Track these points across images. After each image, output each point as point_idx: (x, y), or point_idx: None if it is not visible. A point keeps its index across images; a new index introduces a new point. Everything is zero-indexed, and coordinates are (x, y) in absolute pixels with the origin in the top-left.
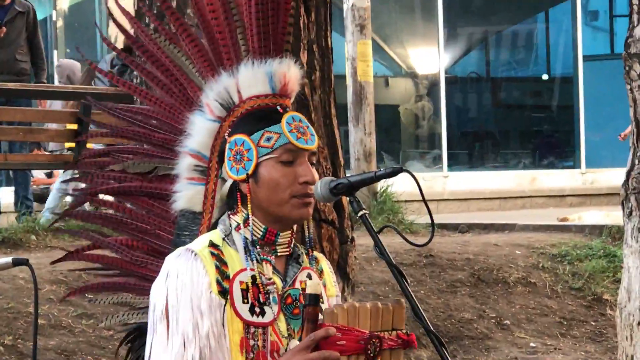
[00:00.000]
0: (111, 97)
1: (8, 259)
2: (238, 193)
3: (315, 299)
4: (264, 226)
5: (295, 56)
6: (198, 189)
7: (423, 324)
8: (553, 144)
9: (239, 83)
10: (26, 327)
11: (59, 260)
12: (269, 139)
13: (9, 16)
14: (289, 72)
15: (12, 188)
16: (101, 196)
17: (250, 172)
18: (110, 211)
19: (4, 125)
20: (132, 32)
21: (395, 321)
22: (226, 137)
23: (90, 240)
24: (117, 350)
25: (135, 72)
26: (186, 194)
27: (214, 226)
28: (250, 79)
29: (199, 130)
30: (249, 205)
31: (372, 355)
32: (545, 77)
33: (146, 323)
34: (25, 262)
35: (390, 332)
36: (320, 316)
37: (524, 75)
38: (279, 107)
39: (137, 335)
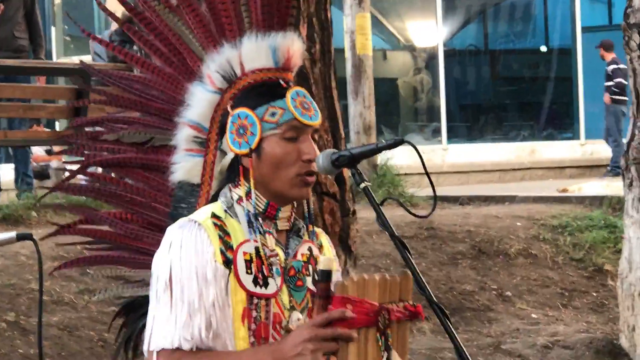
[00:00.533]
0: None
1: (12, 234)
2: (240, 167)
3: (328, 275)
4: (265, 200)
5: (295, 29)
6: (196, 160)
7: (426, 295)
8: (552, 116)
9: (241, 55)
10: (28, 304)
11: (51, 235)
12: (273, 114)
13: None
14: (293, 46)
15: (12, 165)
16: (94, 169)
17: (253, 146)
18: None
19: (3, 102)
20: (131, 1)
21: (402, 293)
22: (229, 109)
23: (82, 215)
24: (111, 323)
25: (134, 48)
26: (184, 166)
27: (212, 198)
28: (253, 52)
29: (199, 101)
30: (252, 180)
31: (382, 327)
32: (543, 49)
33: (140, 296)
34: (29, 237)
35: (397, 304)
36: (332, 290)
37: (522, 47)
38: (282, 81)
39: (131, 309)
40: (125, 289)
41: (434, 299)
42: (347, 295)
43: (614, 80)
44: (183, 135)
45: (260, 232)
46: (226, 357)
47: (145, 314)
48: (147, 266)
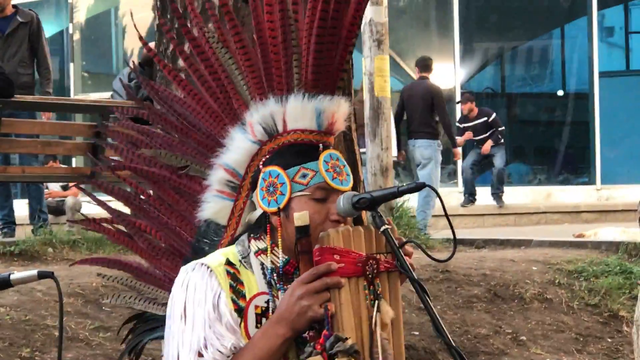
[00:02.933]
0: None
1: (33, 272)
2: (268, 225)
3: (305, 229)
4: (286, 257)
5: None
6: (226, 203)
7: (444, 338)
8: (568, 160)
9: (286, 113)
10: (43, 340)
11: (75, 222)
12: (304, 176)
13: (11, 27)
14: (339, 111)
15: (26, 200)
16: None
17: (281, 206)
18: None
19: (22, 138)
20: (152, 45)
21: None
22: (260, 166)
23: (107, 211)
24: (119, 330)
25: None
26: (214, 206)
27: (233, 241)
28: (298, 112)
29: (238, 148)
30: (280, 240)
31: (370, 277)
32: (560, 93)
33: (149, 313)
34: (50, 275)
35: (385, 255)
36: (316, 246)
37: (539, 91)
38: (321, 146)
39: (140, 321)
40: (137, 301)
41: (452, 342)
42: (332, 246)
43: None
44: (217, 177)
45: (276, 289)
46: (243, 354)
47: (153, 329)
48: (161, 286)
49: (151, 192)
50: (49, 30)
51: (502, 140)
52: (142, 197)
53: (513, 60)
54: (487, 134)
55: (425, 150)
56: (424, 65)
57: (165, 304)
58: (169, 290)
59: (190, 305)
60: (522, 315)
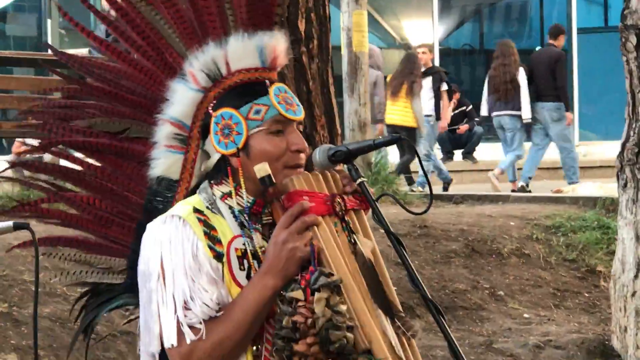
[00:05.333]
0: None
1: (9, 223)
2: (229, 167)
3: (269, 178)
4: (252, 198)
5: (292, 24)
6: (177, 157)
7: (421, 292)
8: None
9: (228, 54)
10: (21, 295)
11: (7, 212)
12: (258, 112)
13: None
14: (279, 45)
15: (6, 157)
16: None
17: (240, 145)
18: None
19: None
20: None
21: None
22: (210, 111)
23: (45, 192)
24: (73, 307)
25: None
26: (164, 162)
27: (189, 194)
28: (240, 52)
29: (181, 98)
30: (242, 179)
31: (341, 214)
32: (538, 49)
33: (103, 283)
34: (26, 226)
35: (347, 195)
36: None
37: (518, 47)
38: (267, 81)
39: (93, 294)
40: (90, 275)
41: (429, 296)
42: (298, 190)
43: None
44: (164, 132)
45: (249, 229)
46: (233, 308)
47: (109, 300)
48: (114, 253)
49: (89, 162)
50: None
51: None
52: (80, 167)
53: (491, 17)
54: (464, 122)
55: (554, 112)
56: (553, 32)
57: (121, 271)
58: (124, 257)
59: (167, 260)
60: (500, 271)
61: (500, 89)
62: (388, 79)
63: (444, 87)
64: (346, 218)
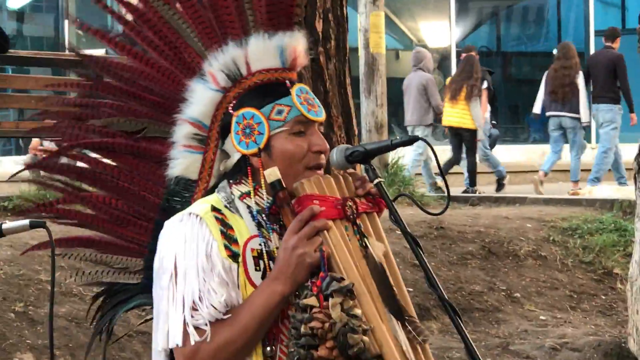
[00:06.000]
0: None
1: (25, 221)
2: (249, 167)
3: (279, 183)
4: (271, 198)
5: (310, 25)
6: (195, 157)
7: (437, 293)
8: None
9: (248, 55)
10: (37, 294)
11: (23, 212)
12: (280, 112)
13: None
14: (299, 45)
15: (23, 157)
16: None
17: (262, 145)
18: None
19: (16, 93)
20: None
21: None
22: (231, 111)
23: (61, 193)
24: (89, 308)
25: None
26: (183, 162)
27: (207, 192)
28: (260, 52)
29: (200, 98)
30: (262, 179)
31: (352, 217)
32: (556, 51)
33: (121, 283)
34: (42, 225)
35: (359, 198)
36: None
37: (535, 49)
38: (287, 82)
39: (110, 294)
40: (106, 274)
41: (445, 296)
42: (309, 194)
43: None
44: (182, 132)
45: (267, 229)
46: (240, 312)
47: (126, 300)
48: (131, 253)
49: (106, 162)
50: None
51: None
52: (97, 168)
53: (509, 19)
54: None
55: (607, 113)
56: (610, 35)
57: (138, 271)
58: (141, 257)
59: (181, 258)
60: (516, 272)
61: (559, 90)
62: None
63: (484, 85)
64: (358, 221)
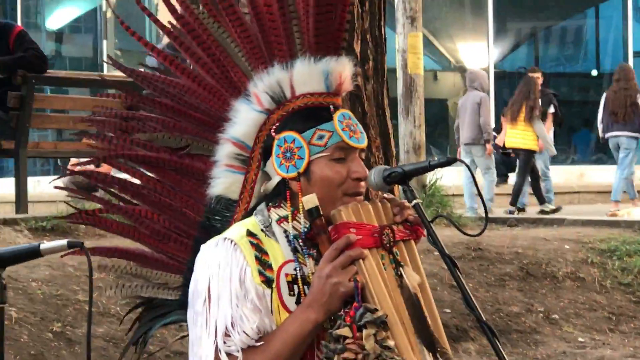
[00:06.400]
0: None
1: (63, 242)
2: (288, 191)
3: (317, 210)
4: (309, 223)
5: (348, 46)
6: (237, 177)
7: (475, 315)
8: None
9: (293, 78)
10: (75, 314)
11: (62, 218)
12: (321, 137)
13: None
14: (345, 71)
15: (58, 176)
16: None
17: (301, 170)
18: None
19: (54, 113)
20: (180, 12)
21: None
22: (273, 134)
23: (100, 204)
24: (123, 318)
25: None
26: (224, 181)
27: (247, 214)
28: (305, 76)
29: (244, 119)
30: (301, 205)
31: (388, 246)
32: (594, 72)
33: (158, 298)
34: (80, 245)
35: (397, 225)
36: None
37: (573, 70)
38: (331, 107)
39: (148, 307)
40: (145, 289)
41: (483, 318)
42: (346, 221)
43: None
44: (225, 151)
45: (302, 254)
46: (272, 339)
47: (164, 315)
48: (170, 269)
49: (149, 176)
50: (81, 7)
51: None
52: (139, 182)
53: (547, 40)
54: None
55: (626, 140)
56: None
57: (177, 288)
58: (180, 273)
59: (214, 283)
60: (555, 294)
61: (619, 112)
62: (449, 102)
63: (551, 109)
64: (394, 250)
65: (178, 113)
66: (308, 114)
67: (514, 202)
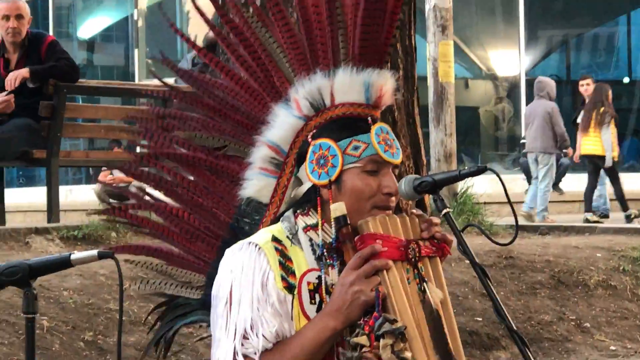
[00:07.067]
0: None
1: (94, 252)
2: (318, 198)
3: (344, 219)
4: (335, 231)
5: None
6: (269, 181)
7: (506, 324)
8: (634, 147)
9: (334, 86)
10: (106, 323)
11: (94, 212)
12: (356, 148)
13: None
14: (386, 84)
15: (92, 186)
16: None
17: (333, 178)
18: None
19: (86, 123)
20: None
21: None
22: (309, 139)
23: (134, 198)
24: (146, 317)
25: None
26: (256, 184)
27: (276, 220)
28: (346, 85)
29: (282, 124)
30: (331, 212)
31: (413, 260)
32: (626, 80)
33: (181, 297)
34: (110, 255)
35: (423, 241)
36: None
37: (605, 78)
38: (369, 119)
39: (170, 307)
40: (168, 286)
41: (514, 327)
42: (373, 232)
43: None
44: (260, 154)
45: (326, 265)
46: (290, 343)
47: (186, 314)
48: (196, 269)
49: (184, 174)
50: (113, 16)
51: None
52: (174, 180)
53: (578, 47)
54: None
55: None
56: None
57: (200, 287)
58: (205, 273)
59: (237, 287)
60: (586, 302)
61: None
62: (480, 110)
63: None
64: (419, 265)
65: (219, 114)
66: (346, 123)
67: (625, 208)
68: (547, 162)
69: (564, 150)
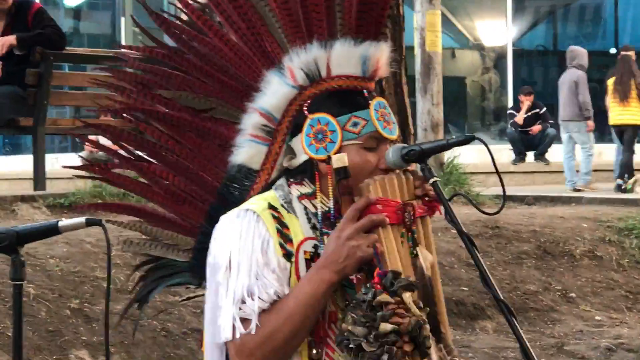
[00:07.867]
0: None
1: (82, 219)
2: (316, 172)
3: (345, 170)
4: (332, 200)
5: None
6: (260, 148)
7: (493, 293)
8: None
9: (331, 58)
10: (92, 291)
11: (72, 167)
12: (355, 124)
13: None
14: (382, 57)
15: (76, 153)
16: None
17: (331, 153)
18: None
19: (72, 90)
20: None
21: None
22: (306, 112)
23: (116, 158)
24: (131, 275)
25: None
26: (247, 151)
27: (267, 187)
28: (343, 58)
29: (275, 92)
30: (330, 187)
31: (409, 223)
32: (613, 50)
33: (167, 258)
34: (98, 222)
35: (417, 201)
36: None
37: (592, 48)
38: (365, 92)
39: (153, 268)
40: (154, 248)
41: (501, 296)
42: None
43: None
44: (251, 121)
45: (321, 233)
46: (286, 300)
47: (171, 275)
48: (183, 231)
49: (167, 135)
50: None
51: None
52: (157, 141)
53: (565, 18)
54: (536, 124)
55: None
56: None
57: (187, 250)
58: (192, 236)
59: (235, 254)
60: (572, 272)
61: None
62: (467, 80)
63: None
64: (413, 228)
65: (206, 74)
66: (344, 98)
67: (622, 175)
68: (577, 130)
69: (587, 122)
